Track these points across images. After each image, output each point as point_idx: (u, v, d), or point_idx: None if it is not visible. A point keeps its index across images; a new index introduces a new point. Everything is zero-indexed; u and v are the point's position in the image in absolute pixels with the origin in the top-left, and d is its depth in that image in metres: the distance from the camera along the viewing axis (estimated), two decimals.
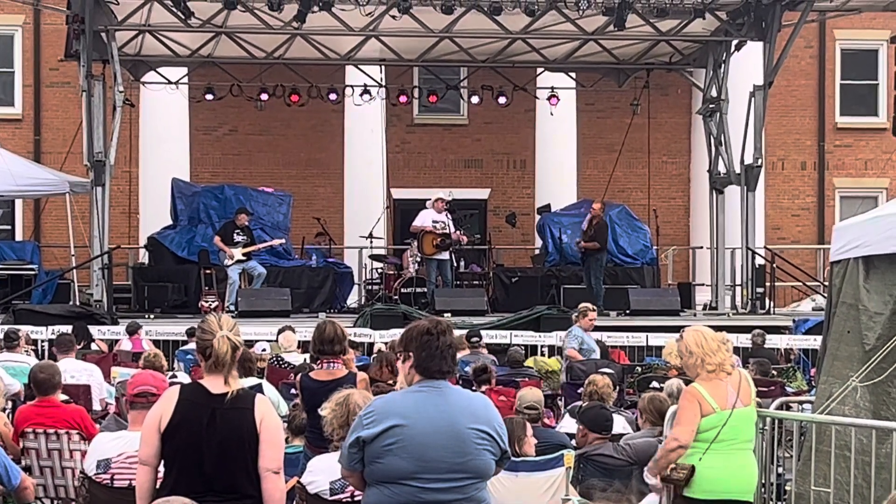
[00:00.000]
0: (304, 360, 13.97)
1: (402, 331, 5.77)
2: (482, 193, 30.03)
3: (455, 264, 22.85)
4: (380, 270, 24.24)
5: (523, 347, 18.47)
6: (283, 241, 23.44)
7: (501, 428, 5.59)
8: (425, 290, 22.54)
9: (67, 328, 17.91)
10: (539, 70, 26.97)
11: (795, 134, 30.88)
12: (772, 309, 23.34)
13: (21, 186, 23.00)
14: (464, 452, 5.43)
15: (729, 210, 24.31)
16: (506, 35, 23.83)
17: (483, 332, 17.89)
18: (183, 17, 21.92)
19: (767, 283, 23.50)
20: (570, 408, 11.46)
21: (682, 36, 24.14)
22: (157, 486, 5.84)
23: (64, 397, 9.63)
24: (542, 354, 19.05)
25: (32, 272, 22.69)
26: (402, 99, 26.38)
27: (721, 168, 24.40)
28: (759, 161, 23.76)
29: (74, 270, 23.17)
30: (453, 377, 6.20)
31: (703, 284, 25.76)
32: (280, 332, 16.46)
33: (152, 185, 26.80)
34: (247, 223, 22.20)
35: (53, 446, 8.69)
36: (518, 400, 9.48)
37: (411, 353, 5.52)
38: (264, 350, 16.43)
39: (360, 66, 26.08)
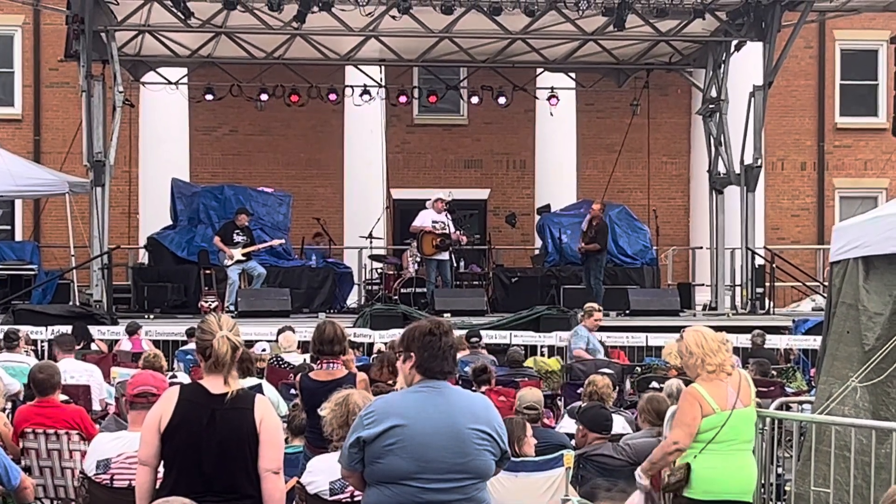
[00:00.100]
0: (304, 360, 13.97)
1: (401, 331, 5.77)
2: (482, 194, 30.04)
3: (455, 264, 22.85)
4: (379, 271, 24.25)
5: (523, 348, 18.46)
6: (283, 241, 23.45)
7: (501, 428, 5.60)
8: (425, 290, 22.53)
9: (67, 328, 17.92)
10: (539, 70, 26.98)
11: (795, 134, 30.89)
12: (771, 309, 23.35)
13: (21, 186, 23.01)
14: (464, 453, 5.43)
15: (729, 210, 24.31)
16: (506, 35, 23.83)
17: (483, 333, 17.89)
18: (183, 17, 21.92)
19: (767, 284, 23.51)
20: (569, 408, 11.46)
21: (681, 36, 24.14)
22: (157, 487, 5.84)
23: (64, 397, 9.63)
24: (542, 354, 19.03)
25: (32, 272, 22.69)
26: (402, 99, 26.38)
27: (721, 168, 24.40)
28: (759, 161, 23.76)
29: (74, 270, 23.17)
30: (453, 377, 6.20)
31: (702, 285, 25.77)
32: (280, 332, 16.46)
33: (152, 186, 26.80)
34: (247, 223, 22.21)
35: (53, 446, 8.69)
36: (518, 400, 9.48)
37: (413, 354, 5.51)
38: (264, 350, 16.43)
39: (359, 67, 26.08)
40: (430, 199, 22.84)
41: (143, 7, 22.41)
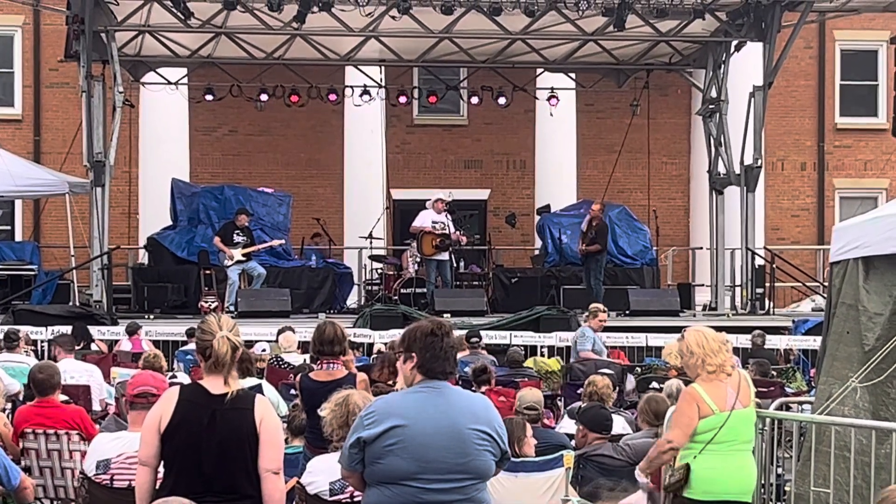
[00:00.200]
0: (304, 360, 13.97)
1: (401, 331, 5.77)
2: (482, 194, 30.03)
3: (455, 265, 22.85)
4: (379, 271, 24.25)
5: (523, 348, 18.46)
6: (283, 241, 23.45)
7: (501, 428, 5.60)
8: (425, 290, 22.54)
9: (67, 328, 17.93)
10: (539, 70, 26.98)
11: (795, 135, 30.89)
12: (771, 309, 23.35)
13: (21, 187, 23.02)
14: (465, 453, 5.44)
15: (728, 211, 24.31)
16: (505, 35, 23.83)
17: (483, 333, 17.90)
18: (183, 17, 21.93)
19: (767, 284, 23.50)
20: (569, 408, 11.47)
21: (681, 36, 24.14)
22: (157, 487, 5.84)
23: (64, 398, 9.63)
24: (542, 355, 19.03)
25: (32, 272, 22.69)
26: (402, 99, 26.37)
27: (721, 169, 24.40)
28: (759, 162, 23.76)
29: (74, 271, 23.17)
30: (454, 378, 6.20)
31: (702, 285, 25.77)
32: (280, 332, 16.46)
33: (152, 186, 26.80)
34: (246, 224, 22.21)
35: (53, 447, 8.69)
36: (518, 400, 9.48)
37: (414, 354, 5.51)
38: (264, 350, 16.43)
39: (359, 67, 26.08)
40: (430, 200, 22.84)
41: (143, 7, 22.41)
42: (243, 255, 21.86)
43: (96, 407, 11.85)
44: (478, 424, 5.48)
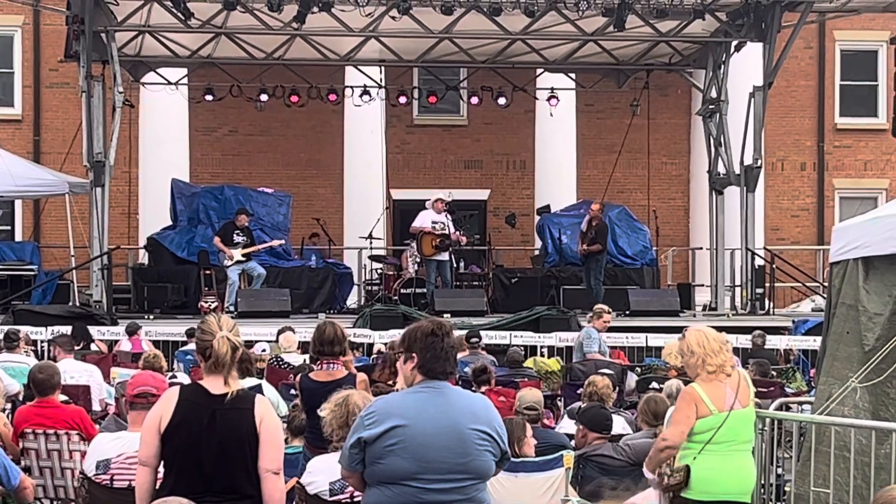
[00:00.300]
0: (304, 360, 13.97)
1: (401, 332, 5.77)
2: (482, 194, 30.03)
3: (454, 265, 22.85)
4: (379, 271, 24.25)
5: (523, 348, 18.46)
6: (283, 241, 23.45)
7: (501, 429, 5.60)
8: (425, 290, 22.54)
9: (67, 328, 17.93)
10: (539, 71, 26.98)
11: (795, 135, 30.89)
12: (771, 310, 23.35)
13: (21, 187, 23.02)
14: (465, 453, 5.44)
15: (728, 211, 24.31)
16: (505, 36, 23.83)
17: (482, 333, 17.90)
18: (183, 17, 21.92)
19: (767, 284, 23.50)
20: (569, 408, 11.47)
21: (681, 37, 24.14)
22: (157, 487, 5.84)
23: (63, 398, 9.64)
24: (542, 355, 19.03)
25: (32, 273, 22.69)
26: (402, 100, 26.37)
27: (721, 169, 24.40)
28: (759, 162, 23.75)
29: (74, 271, 23.17)
30: (454, 378, 6.21)
31: (702, 285, 25.78)
32: (280, 332, 16.46)
33: (152, 186, 26.80)
34: (246, 224, 22.21)
35: (53, 447, 8.69)
36: (518, 400, 9.48)
37: (415, 354, 5.52)
38: (264, 350, 16.43)
39: (359, 67, 26.08)
40: (429, 200, 22.83)
41: (143, 7, 22.42)
42: (243, 255, 21.86)
43: (96, 407, 11.85)
44: (478, 424, 5.49)
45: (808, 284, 25.09)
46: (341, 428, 6.65)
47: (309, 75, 25.78)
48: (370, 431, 5.41)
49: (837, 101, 30.93)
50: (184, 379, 10.94)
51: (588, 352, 16.47)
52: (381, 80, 26.08)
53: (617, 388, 12.09)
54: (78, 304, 22.03)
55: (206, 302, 21.76)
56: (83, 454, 8.09)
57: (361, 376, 8.79)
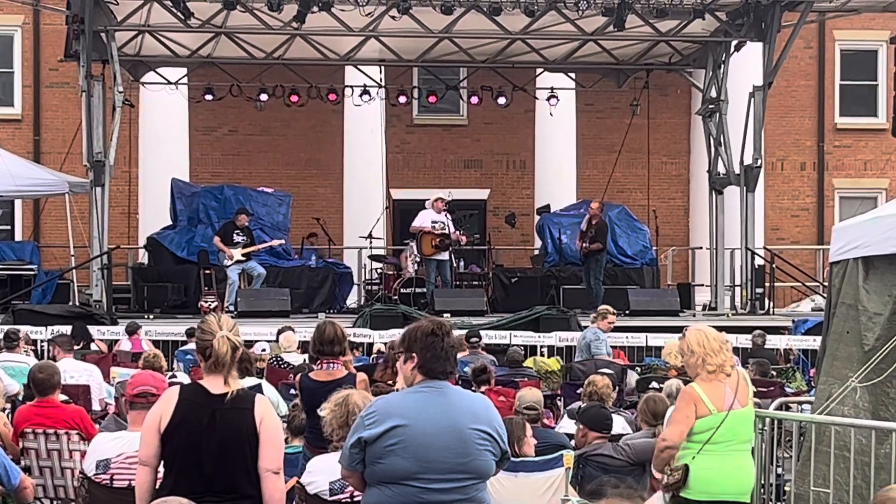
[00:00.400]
0: (304, 360, 13.97)
1: (401, 331, 5.77)
2: (482, 194, 30.03)
3: (454, 265, 22.85)
4: (379, 271, 24.24)
5: (523, 348, 18.46)
6: (283, 241, 23.45)
7: (501, 428, 5.61)
8: (425, 290, 22.53)
9: (67, 328, 17.93)
10: (538, 70, 26.98)
11: (795, 134, 30.89)
12: (771, 309, 23.35)
13: (21, 186, 23.00)
14: (465, 453, 5.44)
15: (728, 210, 24.31)
16: (505, 35, 23.83)
17: (482, 333, 17.91)
18: (183, 17, 21.93)
19: (767, 284, 23.50)
20: (569, 408, 11.47)
21: (681, 36, 24.14)
22: (157, 487, 5.84)
23: (63, 397, 9.64)
24: (542, 355, 19.04)
25: (32, 272, 22.70)
26: (402, 99, 26.37)
27: (720, 168, 24.40)
28: (759, 162, 23.75)
29: (74, 270, 23.17)
30: (454, 378, 6.21)
31: (702, 285, 25.77)
32: (280, 332, 16.47)
33: (152, 186, 26.80)
34: (246, 223, 22.21)
35: (53, 447, 8.69)
36: (517, 400, 9.48)
37: (415, 354, 5.52)
38: (264, 350, 16.44)
39: (359, 67, 26.08)
40: (429, 199, 22.83)
41: (142, 7, 22.41)
42: (243, 254, 21.86)
43: (96, 407, 11.85)
44: (478, 424, 5.49)
45: (807, 284, 25.09)
46: (341, 428, 6.65)
47: (309, 75, 25.78)
48: (370, 431, 5.41)
49: (837, 101, 30.94)
50: (184, 379, 10.94)
51: (597, 353, 16.49)
52: (380, 79, 26.08)
53: (617, 388, 12.08)
54: (78, 303, 22.03)
55: (206, 302, 21.76)
56: (83, 454, 8.09)
57: (361, 376, 8.79)
